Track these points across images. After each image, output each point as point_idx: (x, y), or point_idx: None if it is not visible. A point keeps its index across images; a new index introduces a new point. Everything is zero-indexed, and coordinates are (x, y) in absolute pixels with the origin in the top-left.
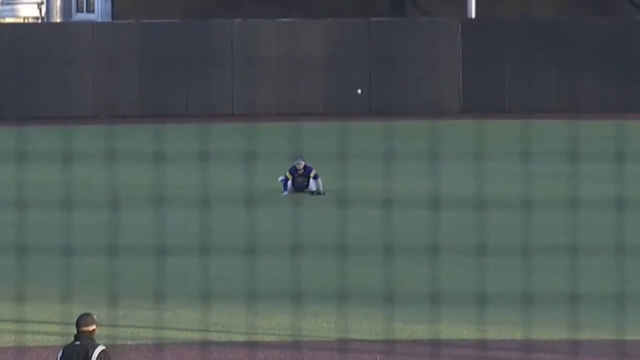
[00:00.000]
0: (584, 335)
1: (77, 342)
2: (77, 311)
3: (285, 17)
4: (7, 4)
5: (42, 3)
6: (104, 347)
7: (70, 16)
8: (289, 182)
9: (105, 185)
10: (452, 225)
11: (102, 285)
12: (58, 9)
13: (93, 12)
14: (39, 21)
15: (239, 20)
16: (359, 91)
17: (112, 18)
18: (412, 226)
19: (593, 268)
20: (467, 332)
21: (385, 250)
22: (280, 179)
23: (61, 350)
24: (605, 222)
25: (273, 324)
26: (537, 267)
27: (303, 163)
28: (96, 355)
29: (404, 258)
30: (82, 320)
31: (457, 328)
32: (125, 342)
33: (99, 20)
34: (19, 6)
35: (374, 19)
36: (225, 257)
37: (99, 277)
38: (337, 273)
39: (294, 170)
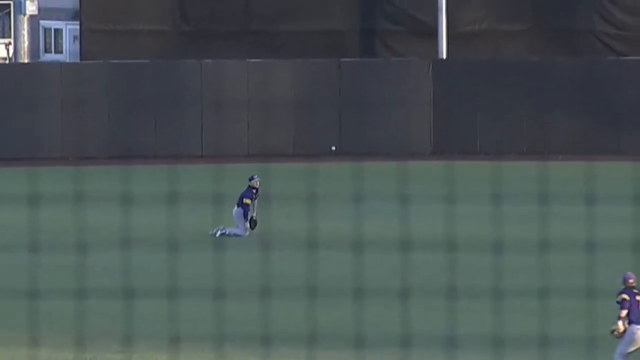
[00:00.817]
0: None
1: None
2: (44, 355)
3: (254, 58)
4: None
5: (9, 44)
6: None
7: (39, 57)
8: (248, 211)
9: (72, 227)
10: (423, 267)
11: (70, 329)
12: (26, 49)
13: (61, 52)
14: (7, 61)
15: (209, 60)
16: (333, 148)
17: (81, 59)
18: (382, 268)
19: (564, 310)
20: None
21: (355, 293)
22: (227, 231)
23: None
24: (576, 264)
25: None
26: (508, 309)
27: (259, 180)
28: None
29: (374, 300)
30: None
31: None
32: None
33: (67, 60)
34: None
35: (344, 59)
36: (194, 299)
37: (67, 320)
38: (307, 316)
39: (250, 194)
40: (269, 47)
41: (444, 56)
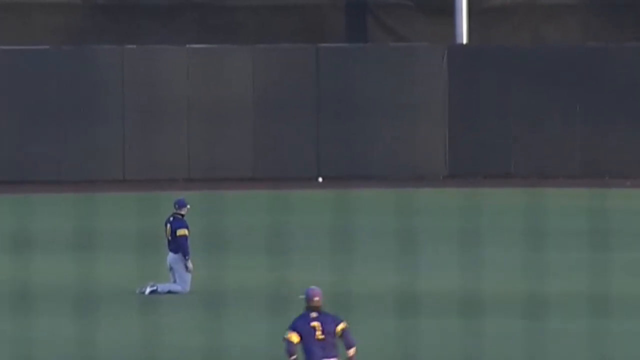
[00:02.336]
0: None
1: None
2: None
3: (198, 42)
4: None
5: None
6: None
7: None
8: (189, 248)
9: None
10: (430, 336)
11: None
12: None
13: None
14: None
15: (133, 46)
16: (320, 179)
17: None
18: (375, 337)
19: None
20: None
21: None
22: (158, 288)
23: None
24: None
25: None
26: None
27: (188, 206)
28: None
29: None
30: None
31: None
32: None
33: None
34: None
35: (323, 44)
36: None
37: None
38: None
39: (184, 223)
40: (218, 27)
41: (464, 40)
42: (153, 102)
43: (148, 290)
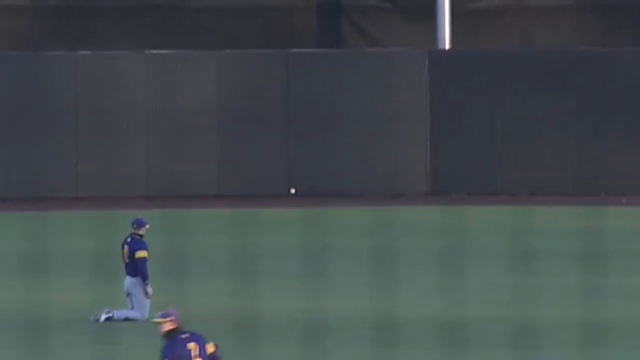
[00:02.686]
0: None
1: None
2: None
3: (157, 48)
4: None
5: None
6: None
7: None
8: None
9: None
10: None
11: None
12: None
13: None
14: None
15: (87, 52)
16: (292, 191)
17: None
18: None
19: None
20: None
21: None
22: (114, 315)
23: None
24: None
25: None
26: None
27: (148, 226)
28: None
29: None
30: None
31: None
32: None
33: None
34: None
35: (293, 50)
36: None
37: None
38: None
39: (143, 243)
40: (179, 31)
41: (447, 45)
42: (109, 112)
43: (103, 317)
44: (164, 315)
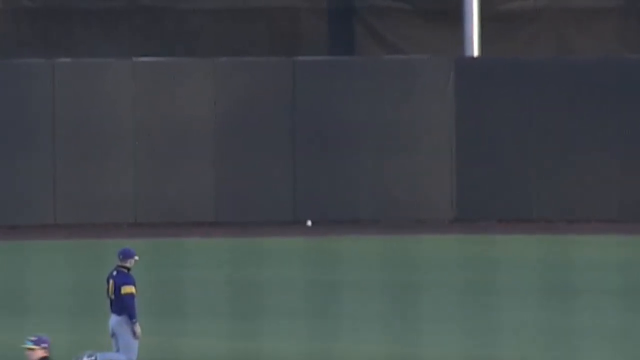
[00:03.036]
0: None
1: None
2: None
3: (146, 55)
4: None
5: None
6: None
7: None
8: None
9: None
10: None
11: None
12: None
13: None
14: None
15: (66, 60)
16: (309, 223)
17: None
18: None
19: None
20: None
21: None
22: (98, 358)
23: None
24: None
25: None
26: None
27: (136, 257)
28: None
29: None
30: None
31: None
32: None
33: None
34: None
35: (301, 57)
36: None
37: None
38: None
39: (131, 278)
40: (170, 36)
41: (475, 52)
42: (91, 128)
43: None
44: (37, 342)
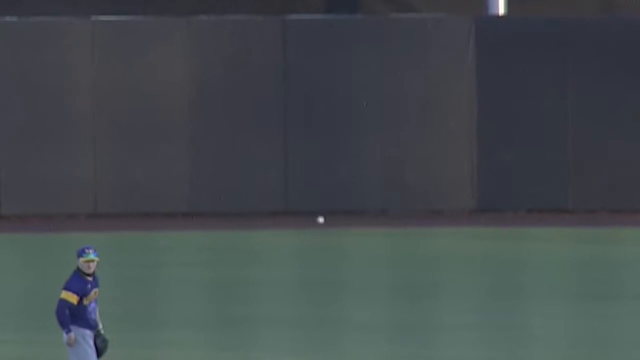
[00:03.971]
0: None
1: None
2: None
3: (109, 13)
4: None
5: None
6: None
7: None
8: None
9: None
10: None
11: None
12: None
13: None
14: None
15: (18, 18)
16: (321, 220)
17: None
18: None
19: None
20: None
21: None
22: None
23: None
24: None
25: None
26: None
27: (96, 259)
28: None
29: None
30: None
31: None
32: None
33: None
34: None
35: (291, 17)
36: None
37: None
38: None
39: (82, 283)
40: None
41: (500, 10)
42: (41, 101)
43: None
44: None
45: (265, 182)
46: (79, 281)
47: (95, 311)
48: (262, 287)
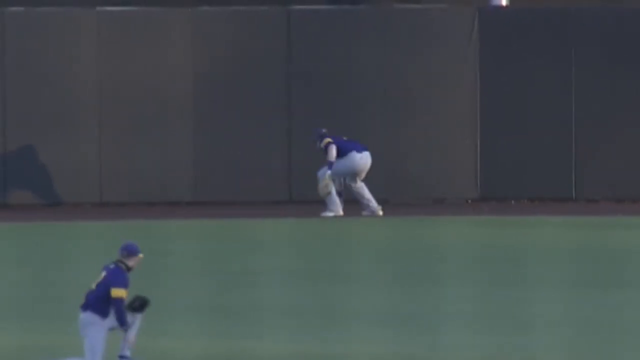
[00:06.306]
0: None
1: None
2: None
3: (113, 4)
4: None
5: None
6: None
7: None
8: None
9: None
10: None
11: None
12: None
13: None
14: None
15: (18, 8)
16: (329, 214)
17: None
18: None
19: None
20: None
21: None
22: None
23: None
24: None
25: None
26: None
27: (140, 255)
28: None
29: None
30: None
31: None
32: None
33: None
34: None
35: (295, 6)
36: None
37: None
38: None
39: (127, 279)
40: None
41: (504, 1)
42: (46, 91)
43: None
44: None
45: (268, 171)
46: (126, 276)
47: None
48: (265, 275)
